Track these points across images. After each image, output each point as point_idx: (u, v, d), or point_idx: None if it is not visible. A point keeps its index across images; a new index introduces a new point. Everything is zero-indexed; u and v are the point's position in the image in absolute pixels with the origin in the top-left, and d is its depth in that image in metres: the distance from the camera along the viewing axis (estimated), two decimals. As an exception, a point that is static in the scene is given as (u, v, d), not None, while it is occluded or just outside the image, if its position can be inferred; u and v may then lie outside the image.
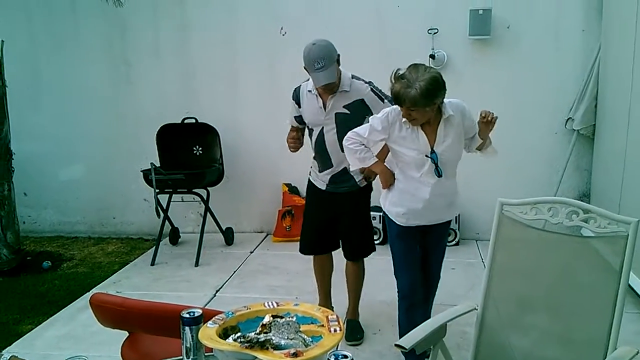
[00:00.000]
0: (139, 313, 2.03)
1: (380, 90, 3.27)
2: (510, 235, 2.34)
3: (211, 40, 5.42)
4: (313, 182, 3.57)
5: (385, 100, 3.22)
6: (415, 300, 3.02)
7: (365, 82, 3.31)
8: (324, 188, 3.48)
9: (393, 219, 2.99)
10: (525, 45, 5.02)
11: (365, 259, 3.63)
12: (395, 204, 2.98)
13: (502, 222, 2.35)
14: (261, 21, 5.33)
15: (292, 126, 3.54)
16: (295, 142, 3.48)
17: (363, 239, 3.57)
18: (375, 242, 3.74)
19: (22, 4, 5.57)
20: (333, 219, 3.53)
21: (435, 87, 2.62)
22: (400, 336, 2.94)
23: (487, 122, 2.84)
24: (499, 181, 5.03)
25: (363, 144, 2.94)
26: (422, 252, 3.08)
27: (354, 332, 3.57)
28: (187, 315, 1.70)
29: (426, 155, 2.79)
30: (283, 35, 5.30)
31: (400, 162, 2.91)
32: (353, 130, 2.99)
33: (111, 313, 2.10)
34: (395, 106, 2.81)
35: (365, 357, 3.40)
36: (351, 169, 3.25)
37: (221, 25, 5.39)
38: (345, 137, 3.01)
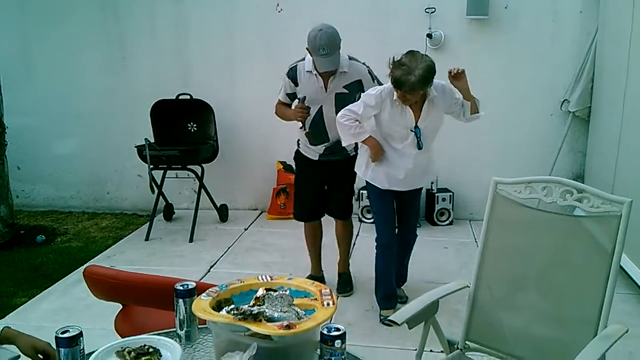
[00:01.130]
0: (132, 285, 2.04)
1: (373, 72, 3.51)
2: (504, 214, 2.34)
3: (207, 16, 5.37)
4: (304, 153, 3.75)
5: (375, 81, 3.49)
6: (392, 248, 3.47)
7: (362, 64, 3.48)
8: (316, 158, 3.69)
9: (375, 185, 3.38)
10: (523, 26, 5.00)
11: None
12: (377, 171, 3.35)
13: (496, 201, 2.35)
14: (258, -3, 5.27)
15: (280, 100, 3.69)
16: (303, 112, 3.51)
17: (351, 200, 3.85)
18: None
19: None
20: (323, 186, 3.82)
21: (431, 75, 2.99)
22: (376, 280, 3.51)
23: (456, 77, 3.12)
24: (493, 162, 5.04)
25: (357, 120, 3.21)
26: (398, 213, 3.52)
27: (344, 285, 3.92)
28: (181, 288, 1.71)
29: (410, 130, 3.17)
30: (279, 12, 5.26)
31: (385, 134, 3.28)
32: (347, 107, 3.24)
33: (105, 285, 2.11)
34: (387, 85, 3.14)
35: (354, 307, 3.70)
36: (344, 144, 3.44)
37: (217, 1, 5.34)
38: (339, 114, 3.25)
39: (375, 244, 3.49)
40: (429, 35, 5.00)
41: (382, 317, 3.47)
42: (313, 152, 3.68)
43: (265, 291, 1.58)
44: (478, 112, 3.25)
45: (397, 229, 3.55)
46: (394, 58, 3.01)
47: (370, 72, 3.48)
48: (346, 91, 3.44)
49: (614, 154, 4.20)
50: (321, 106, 3.49)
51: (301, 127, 3.62)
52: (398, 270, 3.64)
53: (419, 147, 3.21)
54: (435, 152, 3.47)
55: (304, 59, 3.50)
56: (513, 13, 4.97)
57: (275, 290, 1.59)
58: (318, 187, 3.81)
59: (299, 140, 3.75)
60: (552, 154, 5.11)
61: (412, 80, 2.92)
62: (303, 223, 3.96)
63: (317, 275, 3.99)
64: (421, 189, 3.56)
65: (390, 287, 3.53)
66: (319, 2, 5.14)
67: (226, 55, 5.44)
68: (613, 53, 4.47)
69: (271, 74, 5.29)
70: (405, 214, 3.57)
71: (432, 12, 5.00)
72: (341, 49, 3.37)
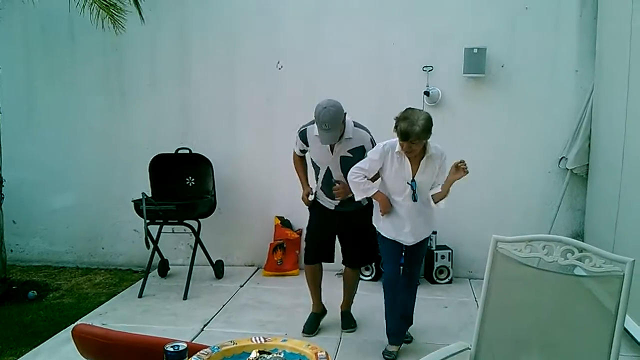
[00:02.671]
0: (122, 346, 1.96)
1: (374, 140, 3.76)
2: (504, 273, 2.30)
3: (208, 72, 5.44)
4: (321, 202, 3.98)
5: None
6: (397, 284, 3.69)
7: (366, 131, 3.78)
8: (332, 208, 3.93)
9: (385, 235, 3.67)
10: (520, 84, 5.06)
11: None
12: (386, 222, 3.65)
13: (497, 260, 2.31)
14: (259, 55, 5.35)
15: (295, 152, 4.04)
16: (307, 203, 4.02)
17: (365, 250, 4.03)
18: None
19: (20, 32, 5.60)
20: (334, 234, 4.04)
21: (430, 124, 3.35)
22: (385, 315, 3.74)
23: (459, 169, 3.36)
24: (492, 219, 5.01)
25: (365, 176, 3.54)
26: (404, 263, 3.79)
27: (349, 322, 4.12)
28: (172, 350, 1.65)
29: (407, 183, 3.50)
30: (279, 69, 5.33)
31: (388, 188, 3.60)
32: (356, 165, 3.58)
33: (94, 345, 2.03)
34: (390, 140, 3.48)
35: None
36: (356, 199, 3.67)
37: (219, 58, 5.42)
38: (350, 172, 3.58)
39: (382, 282, 3.76)
40: (427, 93, 5.05)
41: (385, 352, 3.68)
42: (329, 203, 3.92)
43: (258, 354, 1.52)
44: (438, 204, 3.55)
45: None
46: (398, 116, 3.36)
47: (372, 140, 3.74)
48: (350, 155, 3.71)
49: (614, 212, 4.17)
50: (328, 167, 3.80)
51: (312, 192, 3.97)
52: (403, 312, 3.78)
53: (414, 199, 3.53)
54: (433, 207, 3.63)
55: (312, 123, 3.73)
56: (509, 72, 5.04)
57: (269, 353, 1.54)
58: (329, 234, 4.04)
59: (316, 191, 3.98)
60: (551, 211, 5.08)
61: (417, 130, 3.27)
62: (305, 266, 4.14)
63: (318, 312, 4.14)
64: (427, 238, 3.78)
65: (396, 323, 3.71)
66: (318, 59, 5.23)
67: (226, 110, 5.48)
68: (609, 112, 4.51)
69: (270, 129, 5.37)
70: (407, 260, 3.79)
71: (429, 71, 5.08)
72: (346, 115, 3.66)
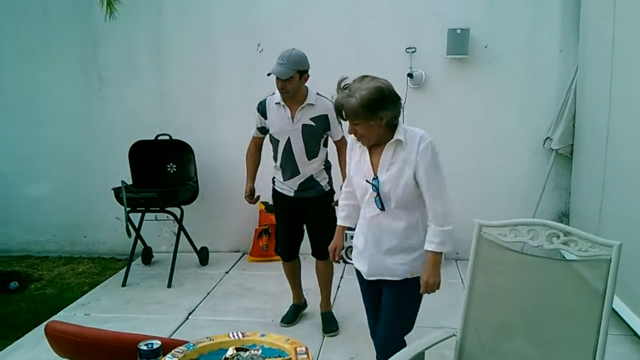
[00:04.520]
0: (95, 344, 1.90)
1: None
2: (489, 258, 2.26)
3: (187, 56, 5.34)
4: (280, 190, 3.77)
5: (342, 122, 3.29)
6: (374, 337, 2.73)
7: (330, 100, 3.42)
8: (292, 194, 3.70)
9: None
10: (503, 65, 5.01)
11: None
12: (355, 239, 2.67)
13: (481, 245, 2.27)
14: (238, 37, 5.25)
15: (254, 137, 3.83)
16: (250, 201, 3.88)
17: (330, 239, 3.25)
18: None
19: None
20: (301, 224, 3.85)
21: (379, 98, 2.30)
22: None
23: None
24: (477, 200, 4.98)
25: (349, 189, 2.70)
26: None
27: (330, 324, 3.87)
28: (145, 348, 1.59)
29: (367, 180, 2.44)
30: (260, 52, 5.23)
31: (354, 189, 2.60)
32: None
33: (67, 343, 1.97)
34: None
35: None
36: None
37: (198, 42, 5.31)
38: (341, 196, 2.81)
39: None
40: (410, 75, 4.99)
41: None
42: (288, 189, 3.71)
43: (235, 351, 1.47)
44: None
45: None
46: (341, 81, 2.42)
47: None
48: (313, 123, 3.53)
49: (599, 191, 4.16)
50: (289, 137, 3.56)
51: (275, 166, 3.72)
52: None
53: (380, 207, 2.43)
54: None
55: (273, 93, 3.59)
56: (493, 52, 4.99)
57: (246, 350, 1.48)
58: (295, 226, 3.85)
59: (274, 177, 3.79)
60: (536, 191, 5.06)
61: (352, 102, 2.29)
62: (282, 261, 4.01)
63: (299, 304, 4.07)
64: (405, 288, 2.50)
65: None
66: (299, 41, 5.08)
67: (206, 95, 5.39)
68: (594, 91, 4.47)
69: (251, 113, 5.25)
70: (383, 305, 2.60)
71: (412, 52, 5.00)
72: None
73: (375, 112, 2.32)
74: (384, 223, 2.45)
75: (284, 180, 3.69)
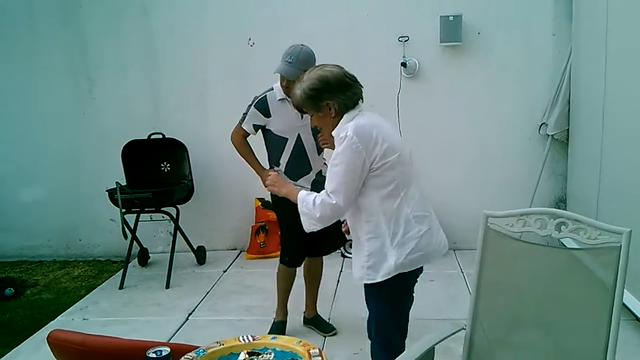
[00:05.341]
0: (101, 352, 1.85)
1: None
2: (496, 249, 2.22)
3: (178, 53, 5.27)
4: None
5: None
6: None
7: None
8: None
9: None
10: (497, 51, 4.97)
11: None
12: None
13: (488, 236, 2.23)
14: (229, 32, 5.18)
15: (242, 129, 3.49)
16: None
17: (334, 232, 3.00)
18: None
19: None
20: None
21: (322, 88, 2.22)
22: None
23: None
24: (474, 189, 4.97)
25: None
26: None
27: (326, 325, 3.76)
28: (154, 355, 1.54)
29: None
30: (251, 46, 5.17)
31: None
32: None
33: (70, 352, 1.92)
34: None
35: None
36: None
37: (188, 37, 5.24)
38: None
39: None
40: (404, 64, 4.94)
41: None
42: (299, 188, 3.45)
43: (247, 355, 1.42)
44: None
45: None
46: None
47: None
48: None
49: (596, 176, 4.14)
50: (299, 134, 3.37)
51: (275, 169, 3.46)
52: None
53: None
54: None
55: (272, 89, 3.39)
56: (486, 38, 4.95)
57: (258, 354, 1.44)
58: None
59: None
60: (533, 177, 5.04)
61: (297, 94, 2.28)
62: (279, 262, 3.69)
63: (285, 320, 3.76)
64: (366, 289, 2.47)
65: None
66: (290, 34, 5.03)
67: (198, 92, 5.31)
68: (588, 75, 4.45)
69: (244, 108, 5.20)
70: None
71: (405, 41, 4.96)
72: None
73: (318, 102, 2.26)
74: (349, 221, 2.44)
75: (294, 182, 3.38)
